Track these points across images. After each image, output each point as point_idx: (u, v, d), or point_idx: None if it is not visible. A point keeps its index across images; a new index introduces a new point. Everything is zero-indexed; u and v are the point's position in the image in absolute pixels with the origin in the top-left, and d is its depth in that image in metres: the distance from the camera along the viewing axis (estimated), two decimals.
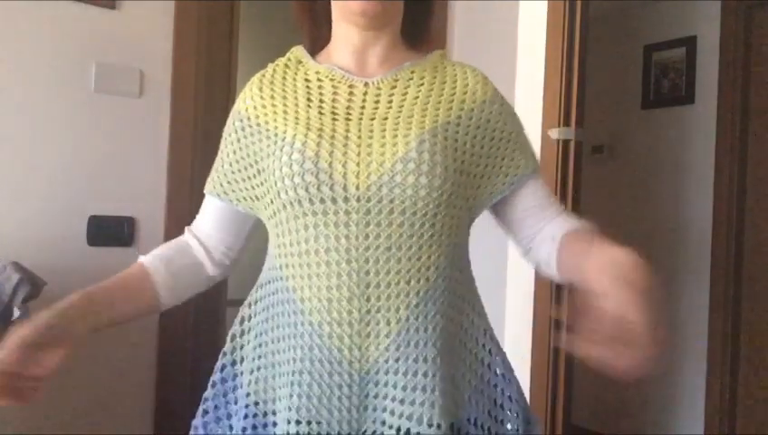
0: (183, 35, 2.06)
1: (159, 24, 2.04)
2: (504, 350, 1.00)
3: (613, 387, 3.28)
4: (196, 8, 2.08)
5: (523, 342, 2.04)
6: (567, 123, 2.00)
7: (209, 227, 1.06)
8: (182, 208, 2.02)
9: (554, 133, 1.98)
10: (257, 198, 0.98)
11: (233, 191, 1.01)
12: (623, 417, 3.25)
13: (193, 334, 2.12)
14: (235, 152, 1.00)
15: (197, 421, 1.00)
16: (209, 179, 1.05)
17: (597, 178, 3.27)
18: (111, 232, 1.94)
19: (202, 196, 1.08)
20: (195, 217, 1.08)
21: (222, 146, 1.03)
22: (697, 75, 3.05)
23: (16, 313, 1.43)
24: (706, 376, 2.91)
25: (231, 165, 1.01)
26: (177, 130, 2.06)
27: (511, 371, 1.00)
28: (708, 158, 2.95)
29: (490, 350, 0.97)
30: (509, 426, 0.96)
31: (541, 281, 2.01)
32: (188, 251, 1.05)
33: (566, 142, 1.99)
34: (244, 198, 1.00)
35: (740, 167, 2.86)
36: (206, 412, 0.99)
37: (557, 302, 1.99)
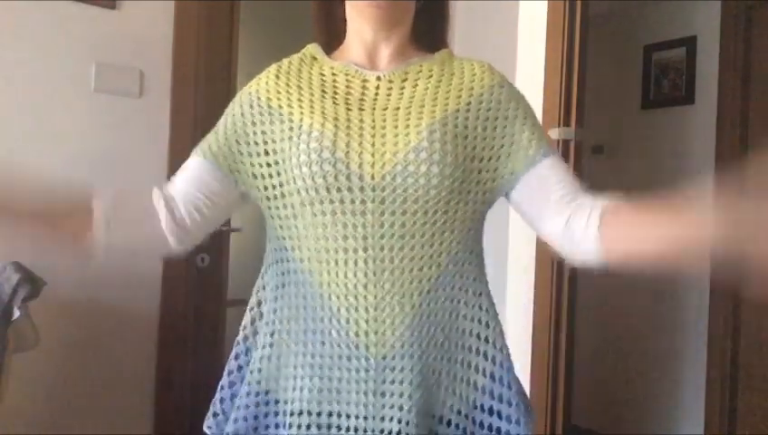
0: (183, 35, 2.06)
1: (159, 24, 2.04)
2: None
3: (613, 387, 3.28)
4: (196, 8, 2.08)
5: (523, 342, 2.04)
6: (567, 123, 2.00)
7: (183, 183, 1.01)
8: None
9: (554, 133, 1.98)
10: (255, 177, 0.98)
11: (227, 161, 0.98)
12: (623, 417, 3.25)
13: (193, 335, 2.12)
14: (240, 127, 0.99)
15: (217, 407, 1.00)
16: (200, 147, 1.01)
17: (597, 178, 3.26)
18: None
19: None
20: None
21: (223, 121, 1.02)
22: (697, 75, 3.04)
23: (16, 313, 1.43)
24: (706, 376, 2.91)
25: (233, 137, 0.99)
26: (177, 130, 2.06)
27: (509, 359, 0.98)
28: (708, 158, 2.95)
29: (490, 332, 0.96)
30: (510, 415, 0.94)
31: (541, 281, 2.00)
32: (147, 197, 0.98)
33: (566, 142, 1.99)
34: (238, 171, 0.98)
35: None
36: (223, 400, 1.01)
37: (557, 302, 1.99)
